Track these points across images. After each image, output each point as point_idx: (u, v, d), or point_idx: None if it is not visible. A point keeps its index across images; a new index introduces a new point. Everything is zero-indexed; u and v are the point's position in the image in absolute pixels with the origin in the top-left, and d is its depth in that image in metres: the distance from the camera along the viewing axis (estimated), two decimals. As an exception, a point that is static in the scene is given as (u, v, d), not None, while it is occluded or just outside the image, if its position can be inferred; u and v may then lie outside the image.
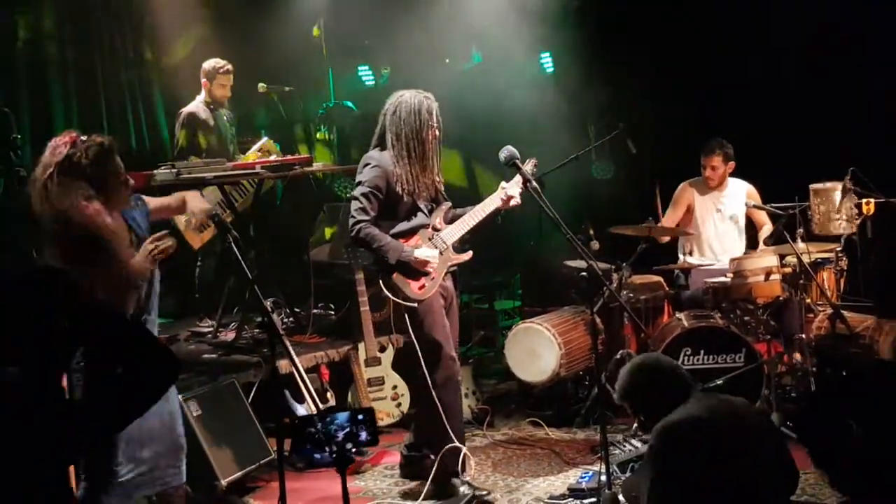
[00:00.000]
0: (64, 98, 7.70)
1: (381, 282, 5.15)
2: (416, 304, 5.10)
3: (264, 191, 7.04)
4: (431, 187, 5.18)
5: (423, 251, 5.08)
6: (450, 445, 5.10)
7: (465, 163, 9.34)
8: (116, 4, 7.93)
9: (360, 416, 2.98)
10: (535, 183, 4.98)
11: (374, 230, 5.02)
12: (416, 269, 5.07)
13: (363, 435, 2.98)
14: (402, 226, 5.14)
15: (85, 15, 7.79)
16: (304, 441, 2.96)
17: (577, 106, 8.22)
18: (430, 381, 5.14)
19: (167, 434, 4.24)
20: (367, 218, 5.02)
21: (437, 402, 5.12)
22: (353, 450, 2.99)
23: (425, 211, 5.21)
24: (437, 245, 5.16)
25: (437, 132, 5.12)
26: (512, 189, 5.20)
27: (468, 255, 5.32)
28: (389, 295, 5.13)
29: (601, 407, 5.07)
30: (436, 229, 5.20)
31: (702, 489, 3.37)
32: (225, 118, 7.33)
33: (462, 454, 5.16)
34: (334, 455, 2.94)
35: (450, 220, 5.27)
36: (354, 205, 5.07)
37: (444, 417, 5.11)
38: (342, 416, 2.98)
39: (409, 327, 5.18)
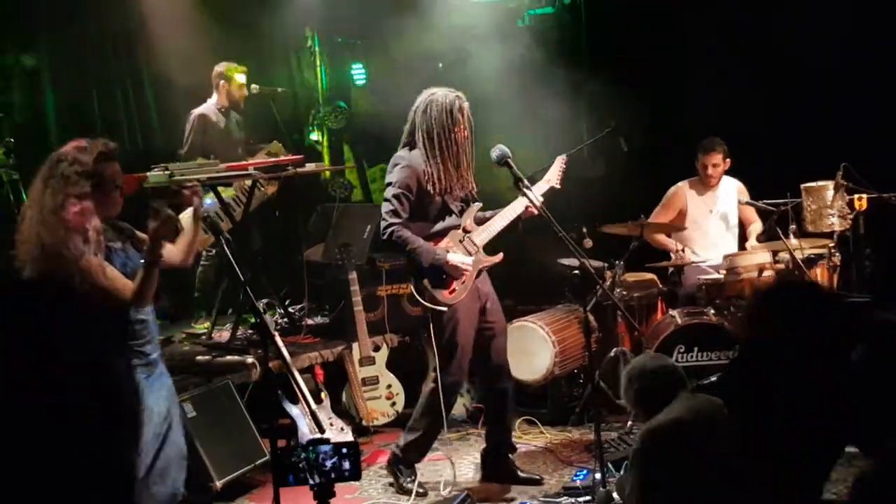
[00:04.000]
0: (56, 102, 7.68)
1: (411, 285, 5.08)
2: (445, 309, 5.04)
3: (265, 199, 7.06)
4: (463, 187, 5.11)
5: (455, 256, 5.01)
6: (408, 443, 5.25)
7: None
8: (108, 7, 7.91)
9: (345, 450, 2.95)
10: (526, 182, 4.98)
11: (407, 232, 4.95)
12: (447, 273, 5.01)
13: (347, 472, 2.95)
14: (433, 227, 5.07)
15: (78, 18, 7.77)
16: (287, 471, 2.94)
17: (569, 103, 8.21)
18: (439, 383, 5.12)
19: (176, 441, 4.23)
20: (398, 220, 4.94)
21: (435, 400, 5.13)
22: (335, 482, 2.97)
23: (456, 211, 5.14)
24: (467, 247, 5.10)
25: (469, 132, 5.05)
26: (532, 198, 5.11)
27: (499, 256, 5.24)
28: (419, 299, 5.04)
29: (595, 405, 5.08)
30: (466, 231, 5.13)
31: (684, 490, 3.39)
32: (235, 121, 7.36)
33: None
34: (316, 488, 2.92)
35: (479, 222, 5.20)
36: (385, 206, 4.99)
37: (436, 417, 5.16)
38: (325, 449, 2.94)
39: (432, 329, 5.09)
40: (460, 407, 6.54)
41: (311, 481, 2.91)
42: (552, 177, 5.38)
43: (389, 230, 4.95)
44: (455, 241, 5.10)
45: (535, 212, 5.12)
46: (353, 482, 5.37)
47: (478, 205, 5.24)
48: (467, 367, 5.24)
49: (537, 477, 5.40)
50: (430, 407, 5.21)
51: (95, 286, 3.82)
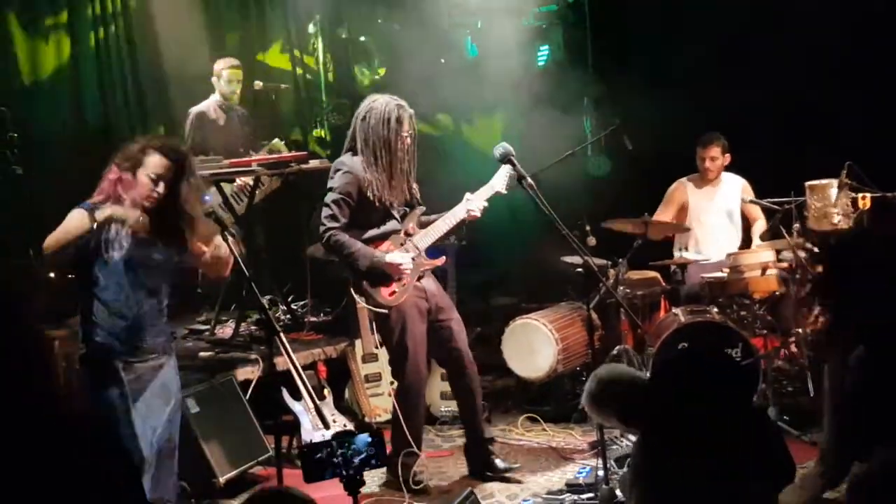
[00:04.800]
0: (61, 101, 7.71)
1: (351, 288, 5.16)
2: (387, 311, 5.11)
3: (268, 192, 7.06)
4: (403, 194, 5.17)
5: (394, 255, 5.08)
6: (406, 450, 5.23)
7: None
8: (113, 8, 7.93)
9: (370, 440, 2.99)
10: (530, 179, 4.99)
11: (344, 236, 5.02)
12: (386, 275, 5.07)
13: (374, 460, 2.99)
14: (374, 231, 5.13)
15: (81, 19, 7.79)
16: (323, 468, 2.96)
17: (573, 101, 8.22)
18: (396, 386, 5.22)
19: (166, 439, 4.23)
20: (336, 225, 5.02)
21: (397, 407, 5.24)
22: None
23: (397, 217, 5.20)
24: (408, 250, 5.16)
25: (409, 141, 5.08)
26: (474, 203, 5.19)
27: (441, 259, 5.35)
28: (360, 301, 5.14)
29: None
30: (408, 234, 5.20)
31: (684, 493, 3.36)
32: (236, 118, 7.35)
33: (418, 457, 5.29)
34: (345, 480, 2.95)
35: (423, 226, 5.27)
36: (325, 211, 5.07)
37: (402, 422, 5.20)
38: (361, 441, 2.98)
39: (380, 333, 5.24)
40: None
41: (344, 474, 2.94)
42: (497, 182, 5.26)
43: (327, 235, 5.02)
44: (396, 244, 5.16)
45: (478, 215, 5.18)
46: (359, 490, 5.46)
47: (421, 209, 5.30)
48: (425, 366, 5.29)
49: (516, 465, 5.45)
50: (395, 416, 5.28)
51: None
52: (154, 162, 4.08)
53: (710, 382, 2.95)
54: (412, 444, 5.26)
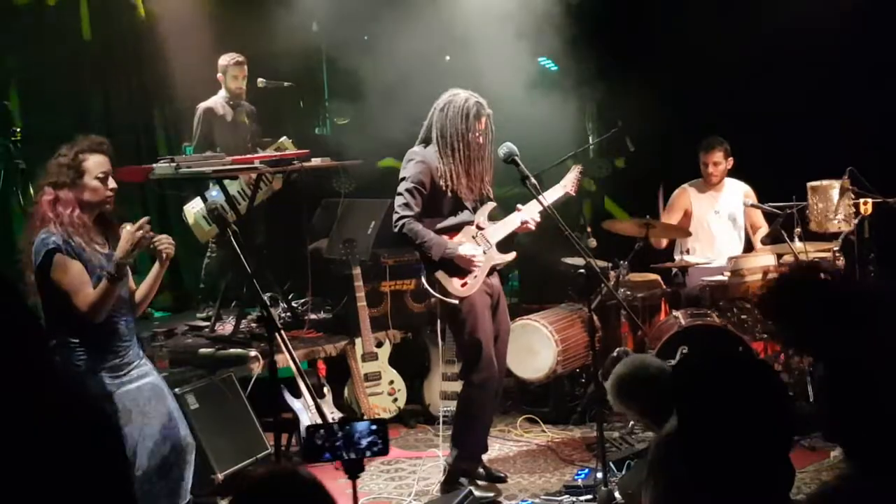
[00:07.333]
0: (62, 96, 7.71)
1: (423, 277, 5.12)
2: (457, 302, 5.06)
3: (271, 193, 7.06)
4: (476, 189, 5.14)
5: (467, 247, 5.04)
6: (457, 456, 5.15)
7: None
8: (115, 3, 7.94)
9: (374, 427, 3.01)
10: (533, 180, 4.99)
11: (418, 225, 4.99)
12: (459, 266, 5.04)
13: (377, 448, 3.00)
14: (447, 222, 5.10)
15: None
16: (322, 449, 2.98)
17: (575, 103, 8.21)
18: (466, 381, 5.16)
19: (173, 436, 4.14)
20: (410, 213, 4.99)
21: (471, 402, 5.15)
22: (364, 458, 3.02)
23: (470, 208, 5.17)
24: (480, 243, 5.13)
25: (482, 140, 5.04)
26: (527, 213, 5.18)
27: (512, 255, 5.29)
28: (431, 291, 5.08)
29: (598, 404, 5.09)
30: (480, 227, 5.17)
31: (700, 494, 3.34)
32: (246, 112, 7.35)
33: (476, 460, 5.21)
34: (346, 463, 2.96)
35: (493, 221, 5.24)
36: (398, 200, 5.04)
37: (478, 419, 5.15)
38: (362, 426, 3.00)
39: (449, 325, 5.18)
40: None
41: (345, 457, 2.96)
42: (568, 183, 5.40)
43: (401, 223, 4.99)
44: (468, 236, 5.13)
45: (532, 227, 5.19)
46: (359, 475, 5.45)
47: (492, 204, 5.26)
48: (496, 360, 5.17)
49: (502, 475, 5.41)
50: (466, 413, 5.19)
51: (58, 283, 3.82)
52: (97, 162, 3.93)
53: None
54: (484, 444, 5.24)
